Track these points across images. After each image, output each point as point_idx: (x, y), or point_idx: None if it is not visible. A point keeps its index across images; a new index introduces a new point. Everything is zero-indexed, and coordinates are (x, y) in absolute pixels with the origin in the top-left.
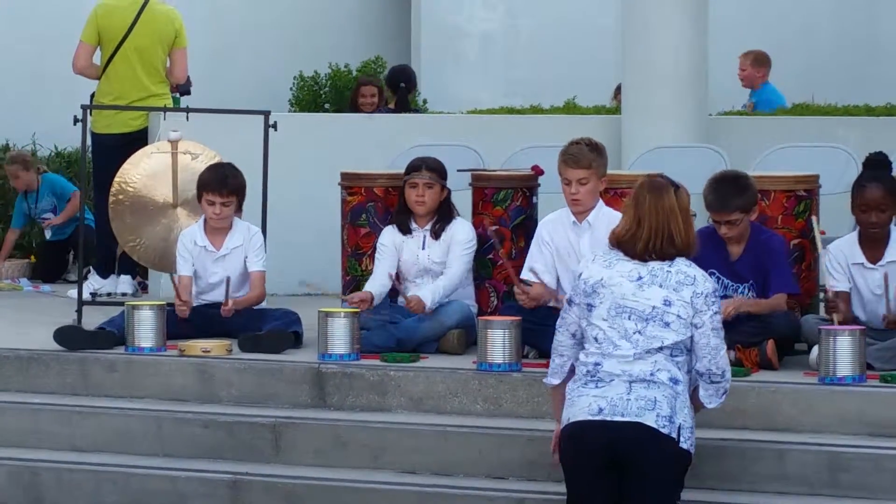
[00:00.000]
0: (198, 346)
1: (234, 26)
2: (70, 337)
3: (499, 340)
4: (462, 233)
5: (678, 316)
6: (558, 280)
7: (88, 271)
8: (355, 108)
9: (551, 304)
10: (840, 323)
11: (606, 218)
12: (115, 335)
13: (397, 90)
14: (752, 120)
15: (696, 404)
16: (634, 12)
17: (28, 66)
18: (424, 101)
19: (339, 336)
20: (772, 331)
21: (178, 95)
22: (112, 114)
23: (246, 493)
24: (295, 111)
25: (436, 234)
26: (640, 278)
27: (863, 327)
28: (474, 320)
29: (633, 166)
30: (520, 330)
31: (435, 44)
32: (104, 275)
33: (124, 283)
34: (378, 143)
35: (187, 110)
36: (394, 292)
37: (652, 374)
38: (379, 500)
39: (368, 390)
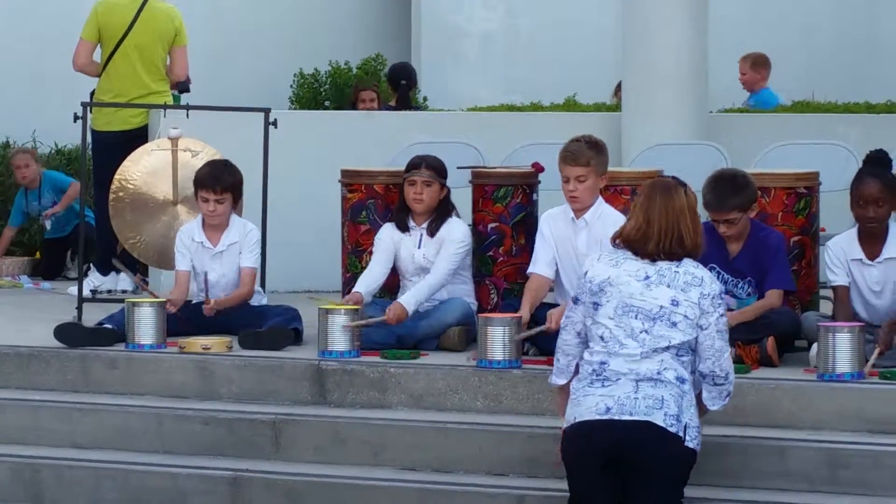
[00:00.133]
0: (198, 343)
1: (235, 24)
2: (70, 334)
3: (499, 337)
4: (455, 232)
5: (685, 316)
6: (557, 273)
7: (88, 268)
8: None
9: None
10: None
11: (604, 217)
12: (115, 332)
13: (398, 87)
14: (752, 117)
15: (699, 407)
16: (635, 12)
17: (28, 64)
18: (425, 99)
19: (339, 333)
20: (772, 328)
21: (177, 93)
22: (112, 111)
23: (246, 489)
24: (295, 109)
25: (431, 233)
26: (647, 278)
27: (862, 324)
28: (474, 317)
29: (633, 164)
30: (519, 327)
31: (435, 43)
32: (104, 272)
33: (124, 281)
34: (378, 140)
35: (187, 107)
36: (394, 288)
37: (659, 373)
38: (379, 497)
39: (369, 387)
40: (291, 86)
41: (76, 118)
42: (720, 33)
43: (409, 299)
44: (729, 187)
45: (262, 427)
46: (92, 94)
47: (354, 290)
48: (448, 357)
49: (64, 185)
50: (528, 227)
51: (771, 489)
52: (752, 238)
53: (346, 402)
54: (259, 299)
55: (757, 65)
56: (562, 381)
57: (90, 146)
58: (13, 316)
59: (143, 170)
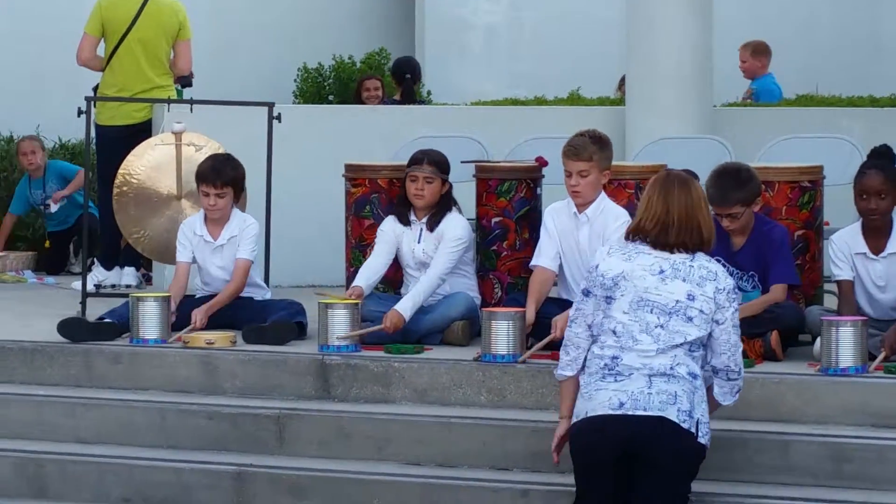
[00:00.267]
0: (202, 337)
1: (238, 18)
2: (73, 329)
3: (503, 332)
4: (453, 229)
5: (700, 311)
6: (560, 268)
7: (92, 262)
8: (359, 103)
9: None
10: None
11: (606, 212)
12: (118, 326)
13: (402, 81)
14: (756, 111)
15: (710, 402)
16: (639, 6)
17: (32, 58)
18: (429, 93)
19: (339, 328)
20: (776, 322)
21: (179, 87)
22: (116, 106)
23: (250, 484)
24: (299, 103)
25: (430, 228)
26: (662, 272)
27: (865, 318)
28: (478, 311)
29: (636, 158)
30: (523, 321)
31: (439, 37)
32: (108, 267)
33: (128, 275)
34: (382, 134)
35: (191, 102)
36: (398, 283)
37: (671, 368)
38: (383, 492)
39: (372, 382)
40: (295, 80)
41: (80, 113)
42: (722, 28)
43: (405, 305)
44: (732, 181)
45: (265, 422)
46: (95, 88)
47: (354, 283)
48: (452, 351)
49: (70, 174)
50: (531, 221)
51: (775, 483)
52: (756, 232)
53: (350, 397)
54: (263, 294)
55: (757, 52)
56: (571, 374)
57: (94, 141)
58: (17, 311)
59: (146, 164)
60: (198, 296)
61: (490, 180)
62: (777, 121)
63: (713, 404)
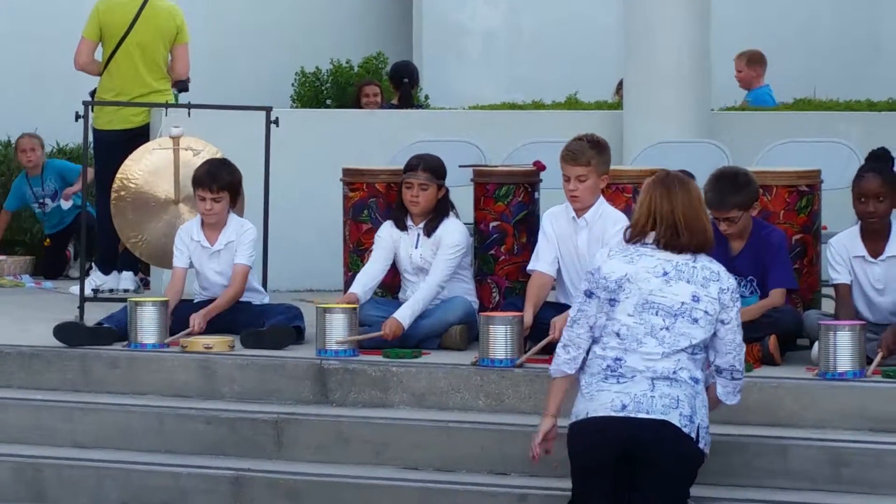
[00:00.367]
0: (200, 342)
1: (236, 22)
2: (70, 333)
3: (501, 336)
4: (450, 235)
5: (705, 312)
6: (559, 272)
7: (90, 267)
8: (358, 108)
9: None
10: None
11: (605, 216)
12: (115, 331)
13: (400, 86)
14: (753, 115)
15: (712, 401)
16: (637, 10)
17: (29, 63)
18: (426, 97)
19: (337, 332)
20: (774, 326)
21: (176, 92)
22: (114, 110)
23: (248, 489)
24: (296, 107)
25: (427, 233)
26: (665, 273)
27: (863, 322)
28: (476, 316)
29: (634, 162)
30: (521, 325)
31: (437, 41)
32: (106, 271)
33: (126, 280)
34: (380, 138)
35: (189, 106)
36: (396, 288)
37: (674, 373)
38: (381, 497)
39: (370, 386)
40: (293, 84)
41: (78, 117)
42: (721, 31)
43: (404, 313)
44: (730, 185)
45: (263, 426)
46: (92, 93)
47: (350, 290)
48: (450, 356)
49: (69, 172)
50: (529, 225)
51: (773, 488)
52: (754, 236)
53: (348, 402)
54: (261, 298)
55: (752, 62)
56: (569, 372)
57: (92, 145)
58: (15, 315)
59: (144, 169)
60: (196, 300)
61: (488, 184)
62: (775, 125)
63: (714, 403)
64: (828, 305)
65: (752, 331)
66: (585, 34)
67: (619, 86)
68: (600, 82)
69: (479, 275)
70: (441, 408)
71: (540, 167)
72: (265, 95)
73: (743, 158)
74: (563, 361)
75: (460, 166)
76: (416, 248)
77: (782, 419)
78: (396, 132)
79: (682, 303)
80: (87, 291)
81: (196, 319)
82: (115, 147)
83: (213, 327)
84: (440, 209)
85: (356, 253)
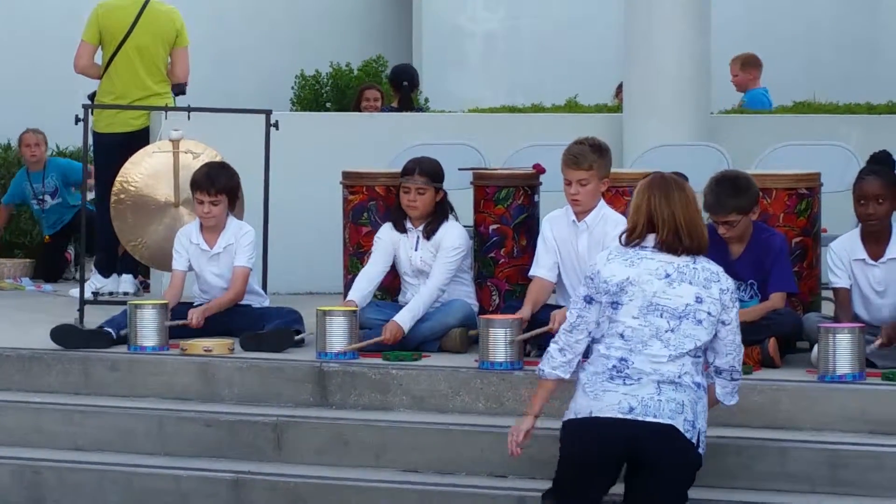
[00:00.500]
0: (200, 345)
1: (236, 26)
2: (67, 336)
3: (500, 339)
4: (450, 238)
5: (708, 313)
6: (559, 275)
7: (92, 260)
8: (358, 112)
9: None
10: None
11: (606, 219)
12: (112, 336)
13: (400, 89)
14: (753, 118)
15: (710, 402)
16: (637, 13)
17: (29, 66)
18: (426, 101)
19: (337, 335)
20: (774, 328)
21: (173, 94)
22: (113, 113)
23: (248, 492)
24: (296, 110)
25: (427, 236)
26: (668, 276)
27: (862, 325)
28: (476, 319)
29: (634, 165)
30: (521, 328)
31: (436, 44)
32: (106, 274)
33: (126, 283)
34: (379, 142)
35: (189, 109)
36: (395, 290)
37: (679, 377)
38: (381, 499)
39: (370, 389)
40: (293, 87)
41: (77, 120)
42: (721, 35)
43: (405, 316)
44: (729, 189)
45: (263, 429)
46: (90, 96)
47: (349, 297)
48: (450, 359)
49: (73, 172)
50: (529, 228)
51: (772, 490)
52: (754, 240)
53: (348, 404)
54: (261, 301)
55: (747, 65)
56: (565, 376)
57: (91, 148)
58: (15, 318)
59: (144, 172)
60: (196, 303)
61: (487, 187)
62: (774, 128)
63: (713, 403)
64: (828, 308)
65: (752, 333)
66: (585, 37)
67: (619, 89)
68: (600, 85)
69: (479, 278)
70: (441, 410)
71: (540, 170)
72: (265, 99)
73: (742, 161)
74: (560, 364)
75: (460, 169)
76: (416, 250)
77: (782, 421)
78: (396, 135)
79: (687, 304)
80: (87, 294)
81: (194, 314)
82: (114, 150)
83: (212, 330)
84: (439, 212)
85: (356, 256)
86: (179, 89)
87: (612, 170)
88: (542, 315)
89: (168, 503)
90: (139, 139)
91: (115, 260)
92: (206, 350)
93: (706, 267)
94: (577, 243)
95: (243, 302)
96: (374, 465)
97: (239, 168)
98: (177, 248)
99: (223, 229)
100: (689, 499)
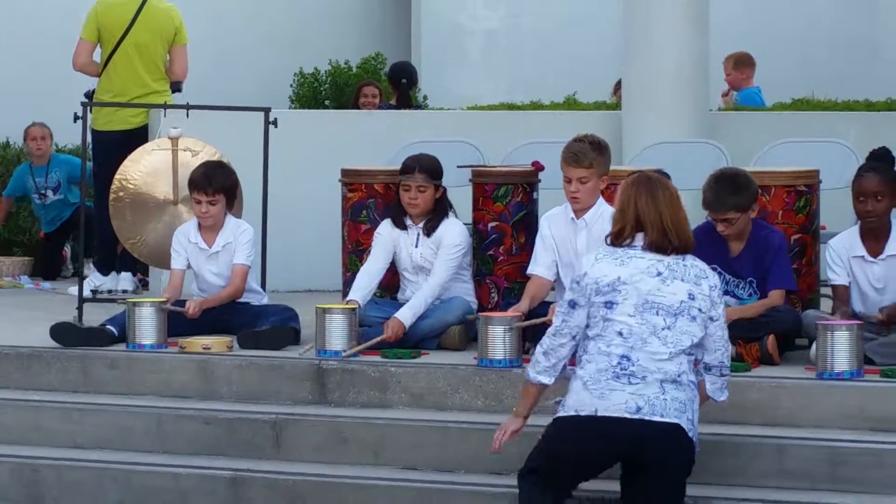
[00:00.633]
0: (198, 342)
1: (235, 24)
2: (65, 333)
3: (499, 336)
4: (451, 235)
5: (700, 310)
6: (557, 275)
7: (91, 259)
8: (357, 108)
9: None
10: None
11: (604, 216)
12: (113, 334)
13: (398, 86)
14: (752, 115)
15: (700, 398)
16: (636, 10)
17: (28, 64)
18: (425, 98)
19: (337, 333)
20: (773, 326)
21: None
22: (112, 111)
23: (247, 489)
24: (295, 108)
25: (427, 233)
26: (659, 274)
27: (860, 322)
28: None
29: (633, 162)
30: (521, 326)
31: (436, 41)
32: (105, 272)
33: (125, 281)
34: (379, 139)
35: (188, 107)
36: (395, 287)
37: (679, 376)
38: (380, 497)
39: (369, 386)
40: (292, 85)
41: (76, 118)
42: (719, 32)
43: (406, 314)
44: (728, 186)
45: (262, 427)
46: (87, 94)
47: (350, 297)
48: (449, 356)
49: (78, 169)
50: (528, 225)
51: (771, 487)
52: (753, 238)
53: (347, 402)
54: (260, 299)
55: (740, 64)
56: (548, 382)
57: (90, 146)
58: (14, 316)
59: (143, 169)
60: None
61: (486, 185)
62: (773, 125)
63: (703, 400)
64: (826, 305)
65: (751, 330)
66: (584, 35)
67: (617, 86)
68: (599, 83)
69: (478, 275)
70: (440, 408)
71: (538, 167)
72: (264, 96)
73: (741, 158)
74: (544, 369)
75: (459, 167)
76: (416, 247)
77: (781, 419)
78: (395, 133)
79: (681, 301)
80: (86, 292)
81: (191, 304)
82: (113, 148)
83: (212, 327)
84: (439, 209)
85: (355, 253)
86: (175, 87)
87: (612, 167)
88: (541, 310)
89: (167, 501)
90: (138, 137)
91: (113, 258)
92: (204, 348)
93: (694, 264)
94: (576, 241)
95: (242, 300)
96: (372, 462)
97: (237, 166)
98: (175, 247)
99: (221, 228)
100: (688, 496)
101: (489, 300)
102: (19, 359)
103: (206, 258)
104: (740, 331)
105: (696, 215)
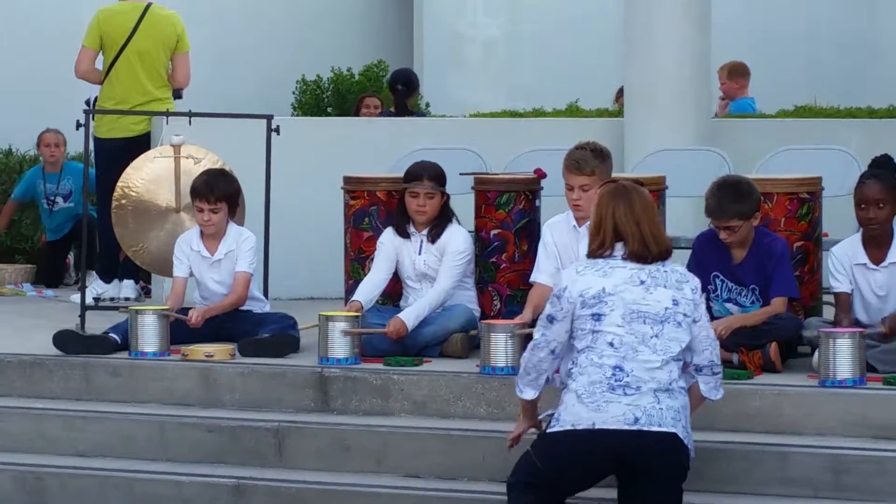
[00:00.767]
0: (201, 350)
1: (237, 31)
2: (68, 341)
3: (502, 344)
4: (455, 242)
5: (684, 314)
6: None
7: (92, 276)
8: None
9: None
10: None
11: None
12: (115, 342)
13: (395, 93)
14: (754, 122)
15: (697, 401)
16: (637, 18)
17: (30, 71)
18: (427, 105)
19: (339, 340)
20: (775, 333)
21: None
22: (114, 118)
23: (249, 497)
24: (297, 115)
25: (432, 240)
26: (643, 282)
27: (862, 329)
28: (478, 324)
29: (635, 169)
30: (523, 334)
31: (438, 49)
32: (107, 280)
33: (127, 288)
34: (380, 146)
35: (190, 114)
36: (397, 295)
37: (671, 384)
38: None
39: (372, 394)
40: (294, 92)
41: (78, 125)
42: (721, 39)
43: (409, 315)
44: (731, 194)
45: (265, 434)
46: (89, 101)
47: (353, 298)
48: (451, 364)
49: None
50: (530, 233)
51: (774, 495)
52: (756, 245)
53: (350, 410)
54: (261, 306)
55: (734, 74)
56: (533, 396)
57: (92, 153)
58: (16, 324)
59: (145, 177)
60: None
61: (489, 192)
62: (775, 132)
63: (699, 401)
64: (829, 313)
65: (753, 338)
66: (586, 42)
67: (619, 93)
68: (601, 90)
69: (481, 282)
70: (442, 416)
71: (541, 175)
72: (266, 103)
73: (744, 165)
74: (526, 384)
75: (461, 174)
76: (420, 254)
77: (783, 426)
78: (397, 140)
79: (666, 308)
80: (88, 300)
81: (194, 313)
82: (115, 155)
83: (214, 335)
84: (443, 215)
85: (357, 261)
86: (176, 94)
87: (613, 174)
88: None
89: None
90: (140, 144)
91: (116, 265)
92: (207, 356)
93: (675, 269)
94: (578, 248)
95: (244, 308)
96: (375, 470)
97: (240, 173)
98: (177, 254)
99: (224, 236)
100: None
101: (492, 308)
102: (22, 366)
103: (209, 266)
104: (743, 338)
105: (698, 222)
